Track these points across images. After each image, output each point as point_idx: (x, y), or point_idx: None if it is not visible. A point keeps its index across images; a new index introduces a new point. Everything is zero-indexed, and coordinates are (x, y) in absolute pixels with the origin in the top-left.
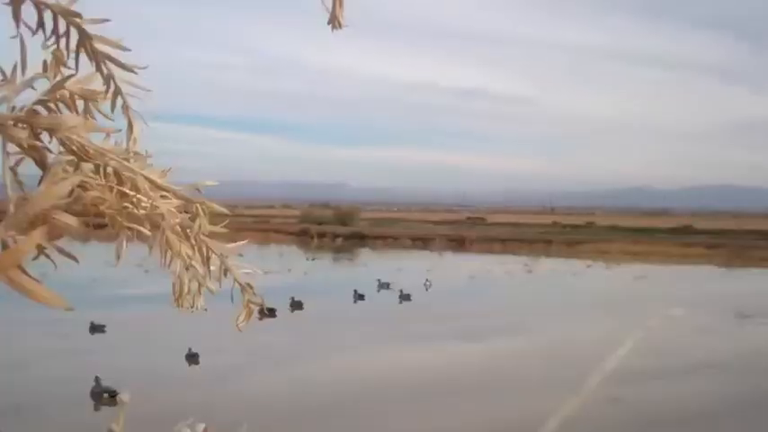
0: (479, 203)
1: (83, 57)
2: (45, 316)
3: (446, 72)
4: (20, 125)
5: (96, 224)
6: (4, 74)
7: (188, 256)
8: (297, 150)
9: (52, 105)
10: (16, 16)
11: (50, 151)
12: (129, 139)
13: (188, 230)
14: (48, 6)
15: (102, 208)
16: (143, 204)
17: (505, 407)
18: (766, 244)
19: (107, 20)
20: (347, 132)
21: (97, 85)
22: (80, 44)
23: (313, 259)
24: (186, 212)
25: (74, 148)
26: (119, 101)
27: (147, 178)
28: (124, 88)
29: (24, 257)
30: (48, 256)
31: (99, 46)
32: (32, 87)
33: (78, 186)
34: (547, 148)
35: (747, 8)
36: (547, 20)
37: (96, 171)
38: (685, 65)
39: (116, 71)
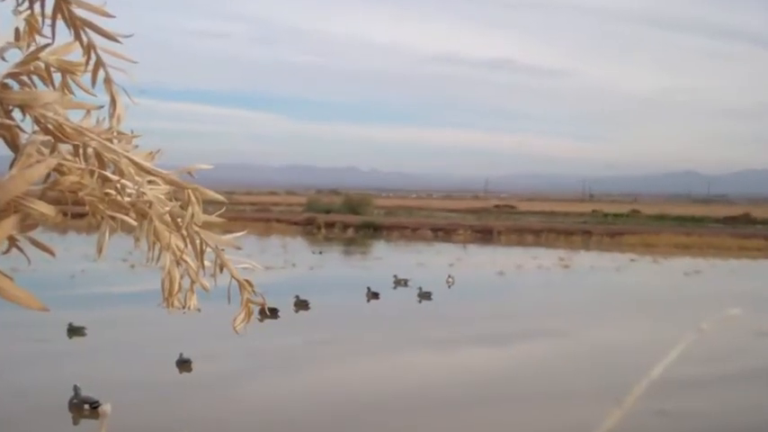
0: (508, 190)
1: (60, 24)
2: (17, 317)
3: (470, 41)
4: None
5: (75, 213)
6: None
7: (179, 249)
8: (302, 130)
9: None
10: None
11: (23, 130)
12: (112, 117)
13: (179, 220)
14: None
15: (81, 194)
16: (128, 191)
17: (539, 420)
18: None
19: None
20: (359, 109)
21: (76, 55)
22: (57, 9)
23: (320, 253)
24: (177, 200)
25: (50, 126)
26: (100, 73)
27: (132, 161)
28: (106, 59)
29: None
30: (20, 249)
31: (78, 11)
32: (2, 58)
33: (55, 170)
34: (583, 126)
35: None
36: None
37: (75, 153)
38: (737, 33)
39: (98, 40)
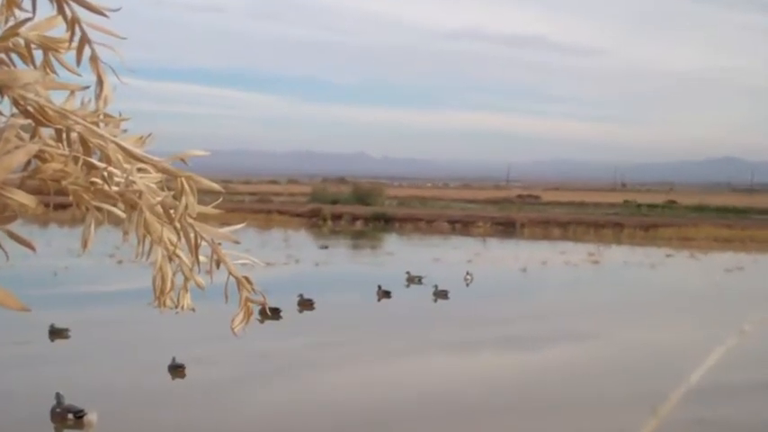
0: (533, 178)
1: None
2: None
3: (494, 15)
4: None
5: (58, 204)
6: None
7: (171, 244)
8: (306, 112)
9: (3, 56)
10: None
11: (1, 113)
12: (98, 99)
13: (171, 211)
14: None
15: (64, 183)
16: (116, 179)
17: (568, 430)
18: None
19: None
20: (369, 90)
21: (59, 31)
22: None
23: (326, 247)
24: (169, 189)
25: (30, 109)
26: (86, 51)
27: (120, 147)
28: (92, 35)
29: None
30: None
31: None
32: None
33: (35, 157)
34: (616, 109)
35: None
36: None
37: (58, 138)
38: None
39: (82, 14)
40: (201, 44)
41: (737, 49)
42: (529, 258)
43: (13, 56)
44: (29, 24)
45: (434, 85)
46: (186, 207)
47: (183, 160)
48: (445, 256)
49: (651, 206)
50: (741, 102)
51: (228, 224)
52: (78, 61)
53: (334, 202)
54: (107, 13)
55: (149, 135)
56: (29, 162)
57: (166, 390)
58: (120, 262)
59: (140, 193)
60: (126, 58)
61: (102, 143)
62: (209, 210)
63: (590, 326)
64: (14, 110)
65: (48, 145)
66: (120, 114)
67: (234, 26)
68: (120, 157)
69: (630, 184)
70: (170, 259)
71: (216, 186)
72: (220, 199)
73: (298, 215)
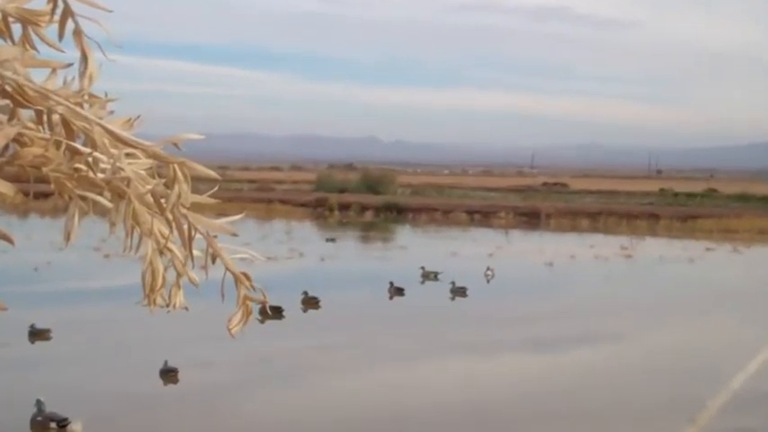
0: (559, 164)
1: None
2: None
3: None
4: None
5: (38, 192)
6: None
7: (163, 236)
8: (312, 92)
9: None
10: None
11: None
12: (82, 77)
13: (163, 201)
14: None
15: (45, 170)
16: (102, 165)
17: None
18: None
19: None
20: (380, 68)
21: (40, 3)
22: None
23: (333, 240)
24: (160, 177)
25: (8, 88)
26: (69, 25)
27: (106, 130)
28: (76, 8)
29: None
30: None
31: None
32: None
33: (14, 141)
34: (651, 88)
35: None
36: None
37: (38, 120)
38: None
39: None
40: (197, 17)
41: None
42: (555, 252)
43: None
44: None
45: (451, 62)
46: (179, 196)
47: (175, 145)
48: (463, 250)
49: (689, 195)
50: None
51: (225, 215)
52: (61, 36)
53: (342, 190)
54: None
55: (138, 117)
56: (6, 146)
57: (158, 396)
58: (106, 256)
59: (128, 181)
60: (113, 32)
61: (86, 126)
62: (204, 199)
63: (622, 326)
64: None
65: (27, 128)
66: (107, 94)
67: None
68: (106, 142)
69: (667, 170)
70: (161, 253)
71: (212, 173)
72: (216, 187)
73: (301, 205)
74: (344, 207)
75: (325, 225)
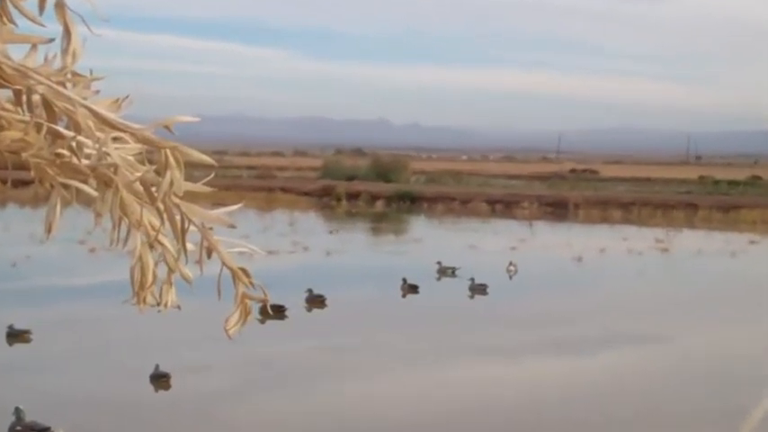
0: (588, 149)
1: None
2: None
3: None
4: None
5: (17, 180)
6: None
7: (153, 228)
8: (318, 71)
9: None
10: None
11: None
12: (65, 54)
13: (153, 189)
14: None
15: (25, 156)
16: (86, 151)
17: None
18: None
19: None
20: (392, 43)
21: None
22: None
23: (339, 232)
24: (151, 163)
25: None
26: None
27: (92, 111)
28: None
29: None
30: None
31: None
32: None
33: None
34: (688, 67)
35: None
36: None
37: (17, 101)
38: None
39: None
40: None
41: None
42: (584, 246)
43: None
44: None
45: (471, 38)
46: (171, 184)
47: (167, 128)
48: (483, 244)
49: (731, 183)
50: None
51: (222, 204)
52: (41, 9)
53: (350, 178)
54: None
55: (126, 97)
56: None
57: (148, 403)
58: (91, 250)
59: (116, 168)
60: (98, 4)
61: (69, 107)
62: (198, 187)
63: (657, 327)
64: None
65: (4, 109)
66: (92, 73)
67: None
68: (91, 124)
69: (706, 156)
70: (151, 247)
71: (207, 159)
72: (212, 174)
73: (306, 194)
74: (353, 196)
75: (331, 216)
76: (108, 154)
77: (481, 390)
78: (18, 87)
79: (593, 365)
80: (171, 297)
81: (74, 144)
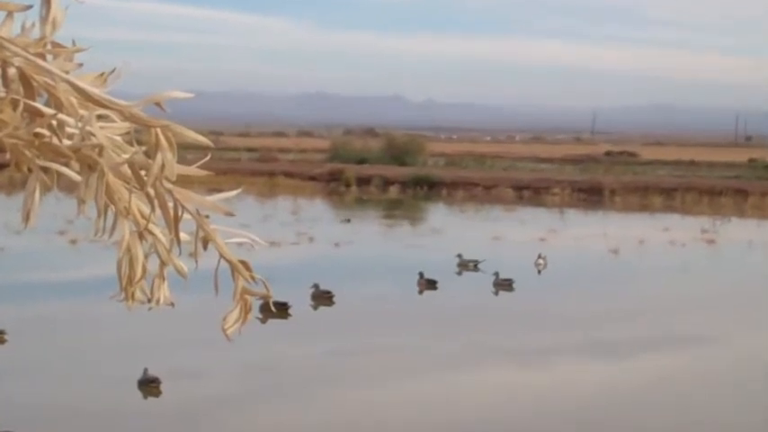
0: (626, 128)
1: None
2: None
3: None
4: None
5: None
6: None
7: (143, 216)
8: (325, 42)
9: None
10: None
11: None
12: (44, 22)
13: (143, 173)
14: None
15: (0, 136)
16: (68, 130)
17: None
18: None
19: None
20: (406, 10)
21: None
22: None
23: (349, 221)
24: (140, 144)
25: None
26: None
27: (74, 87)
28: None
29: None
30: None
31: None
32: None
33: None
34: (735, 37)
35: None
36: None
37: None
38: None
39: None
40: None
41: None
42: (621, 237)
43: None
44: None
45: (494, 5)
46: (162, 167)
47: (158, 105)
48: (509, 234)
49: None
50: None
51: (220, 190)
52: None
53: (361, 161)
54: None
55: (113, 71)
56: None
57: (136, 411)
58: (73, 241)
59: (101, 149)
60: None
61: (49, 82)
62: (193, 171)
63: (703, 327)
64: None
65: None
66: (74, 43)
67: None
68: (73, 101)
69: (757, 137)
70: (141, 237)
71: (203, 140)
72: (208, 156)
73: (311, 178)
74: (364, 181)
75: (340, 203)
76: (92, 134)
77: (508, 395)
78: None
79: (632, 370)
80: (163, 293)
81: (54, 123)
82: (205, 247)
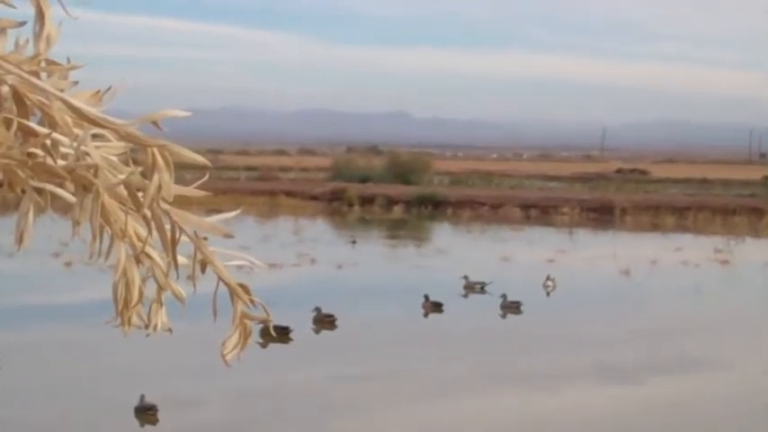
0: (637, 145)
1: None
2: None
3: None
4: None
5: None
6: None
7: (139, 239)
8: (328, 57)
9: None
10: None
11: None
12: (38, 39)
13: (140, 194)
14: None
15: None
16: (63, 150)
17: None
18: None
19: None
20: (412, 25)
21: None
22: None
23: (353, 242)
24: (136, 164)
25: None
26: None
27: (69, 105)
28: None
29: None
30: None
31: None
32: None
33: None
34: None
35: None
36: None
37: None
38: None
39: None
40: None
41: None
42: (632, 257)
43: None
44: None
45: (501, 20)
46: (159, 188)
47: (155, 123)
48: (517, 255)
49: None
50: None
51: (218, 211)
52: None
53: (364, 179)
54: None
55: (108, 89)
56: None
57: None
58: (68, 264)
59: (96, 169)
60: None
61: (43, 100)
62: (191, 191)
63: (717, 350)
64: None
65: None
66: (69, 61)
67: None
68: (68, 120)
69: None
70: (138, 260)
71: (201, 159)
72: (207, 176)
73: (313, 198)
74: (367, 200)
75: (342, 223)
76: (87, 153)
77: (516, 423)
78: None
79: (643, 394)
80: (160, 318)
81: (48, 142)
82: (203, 270)
